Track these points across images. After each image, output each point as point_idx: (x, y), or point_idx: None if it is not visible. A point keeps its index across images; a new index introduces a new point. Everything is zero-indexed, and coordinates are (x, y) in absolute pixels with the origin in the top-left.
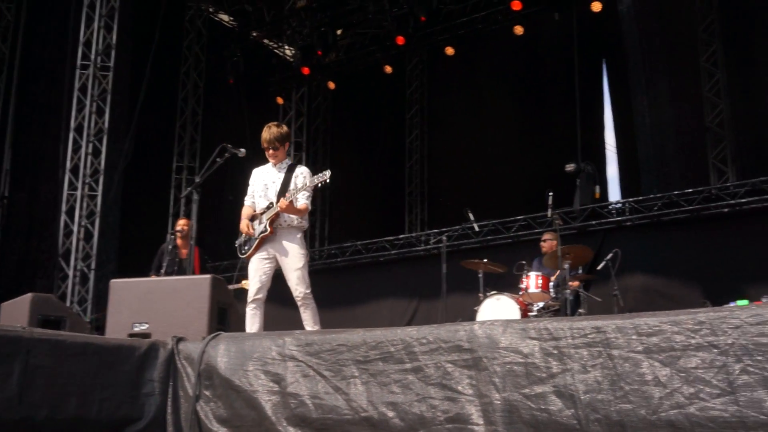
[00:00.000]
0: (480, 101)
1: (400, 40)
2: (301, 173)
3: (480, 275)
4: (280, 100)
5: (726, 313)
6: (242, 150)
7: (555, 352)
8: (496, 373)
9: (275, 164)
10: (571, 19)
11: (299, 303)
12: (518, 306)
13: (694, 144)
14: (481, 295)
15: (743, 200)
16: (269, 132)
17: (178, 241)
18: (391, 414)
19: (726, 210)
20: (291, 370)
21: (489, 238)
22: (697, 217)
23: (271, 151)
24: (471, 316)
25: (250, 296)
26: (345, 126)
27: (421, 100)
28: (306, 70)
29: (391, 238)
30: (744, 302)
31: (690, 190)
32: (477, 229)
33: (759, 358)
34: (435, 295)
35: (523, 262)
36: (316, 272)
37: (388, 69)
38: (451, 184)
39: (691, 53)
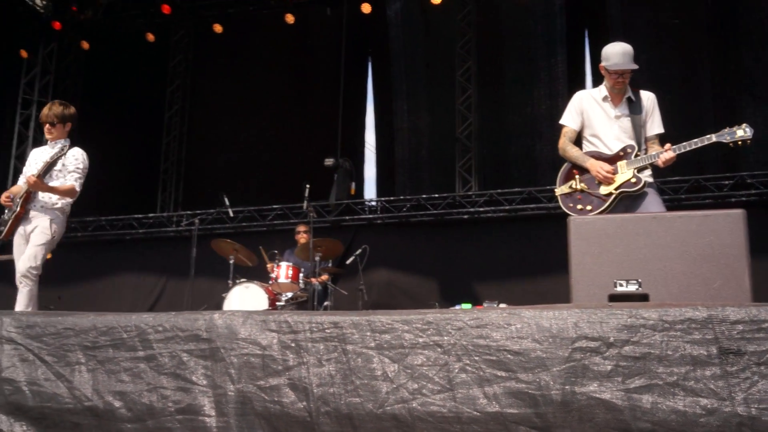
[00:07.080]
0: (245, 84)
1: (166, 9)
2: (73, 155)
3: (231, 261)
4: (24, 54)
5: (451, 315)
6: None
7: (293, 345)
8: (232, 365)
9: (50, 141)
10: (342, 16)
11: (19, 279)
12: (267, 295)
13: (445, 152)
14: (230, 282)
15: (481, 209)
16: (50, 109)
17: None
18: (118, 404)
19: (466, 217)
20: (8, 353)
21: (244, 224)
22: (440, 221)
23: (47, 127)
24: (219, 303)
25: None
26: (98, 91)
27: (184, 75)
28: (57, 25)
29: (139, 216)
30: (468, 305)
31: (436, 195)
32: (231, 214)
33: (476, 358)
34: (183, 278)
35: (275, 251)
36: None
37: (151, 37)
38: (209, 165)
39: (448, 67)
